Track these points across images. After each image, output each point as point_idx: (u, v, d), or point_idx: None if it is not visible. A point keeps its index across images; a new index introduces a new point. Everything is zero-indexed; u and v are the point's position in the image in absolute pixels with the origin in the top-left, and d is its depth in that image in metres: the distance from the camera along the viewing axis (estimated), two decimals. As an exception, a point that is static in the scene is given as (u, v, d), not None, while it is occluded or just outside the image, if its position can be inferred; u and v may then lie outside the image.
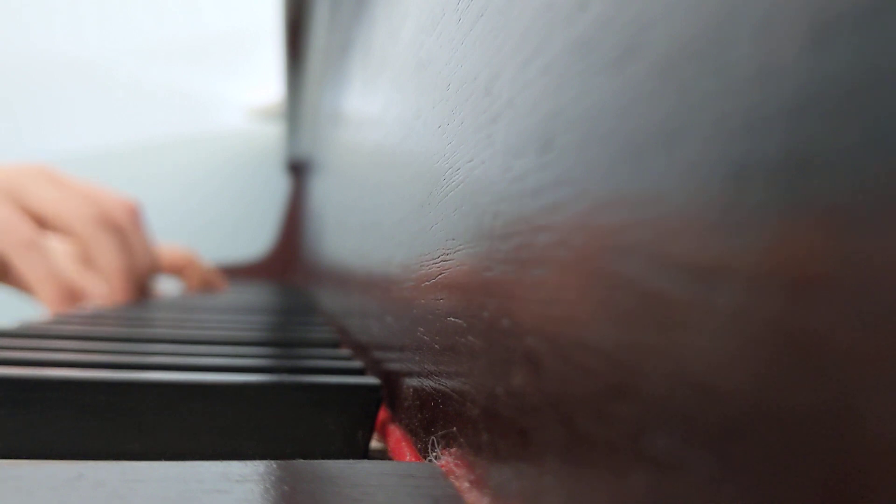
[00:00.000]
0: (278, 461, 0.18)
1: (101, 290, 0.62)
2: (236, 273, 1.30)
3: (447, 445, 0.19)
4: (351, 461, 0.18)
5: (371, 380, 0.24)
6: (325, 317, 0.56)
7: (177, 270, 0.86)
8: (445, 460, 0.18)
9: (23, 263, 0.57)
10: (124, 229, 0.65)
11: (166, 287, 0.88)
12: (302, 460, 0.18)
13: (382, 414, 0.27)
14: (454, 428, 0.18)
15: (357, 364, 0.29)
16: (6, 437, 0.22)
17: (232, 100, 1.66)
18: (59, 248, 0.66)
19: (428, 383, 0.21)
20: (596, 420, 0.11)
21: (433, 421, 0.20)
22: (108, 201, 0.65)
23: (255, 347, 0.35)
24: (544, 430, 0.13)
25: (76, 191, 0.63)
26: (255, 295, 0.89)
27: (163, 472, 0.16)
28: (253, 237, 1.48)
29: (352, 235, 0.46)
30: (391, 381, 0.27)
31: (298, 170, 1.35)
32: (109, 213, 0.64)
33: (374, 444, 0.26)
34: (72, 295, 0.59)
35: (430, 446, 0.20)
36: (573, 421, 0.12)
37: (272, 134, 1.65)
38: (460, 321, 0.18)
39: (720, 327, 0.08)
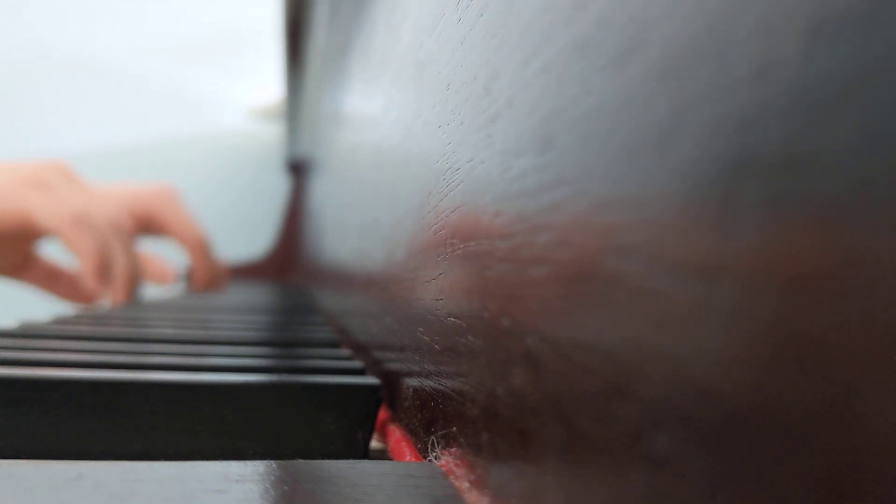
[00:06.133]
0: (278, 461, 0.18)
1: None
2: (236, 273, 1.30)
3: (447, 445, 0.19)
4: (351, 461, 0.18)
5: (371, 380, 0.24)
6: (325, 317, 0.56)
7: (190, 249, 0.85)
8: (445, 460, 0.18)
9: (70, 240, 0.62)
10: (130, 235, 0.70)
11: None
12: (302, 460, 0.18)
13: (382, 414, 0.27)
14: (454, 428, 0.18)
15: (357, 364, 0.29)
16: (6, 437, 0.22)
17: (232, 100, 1.66)
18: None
19: (428, 383, 0.21)
20: (595, 420, 0.11)
21: (433, 421, 0.20)
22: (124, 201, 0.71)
23: (255, 347, 0.35)
24: (544, 430, 0.13)
25: (92, 192, 0.67)
26: (255, 295, 0.89)
27: (163, 472, 0.16)
28: (253, 237, 1.48)
29: (352, 235, 0.46)
30: (391, 381, 0.27)
31: (298, 170, 1.35)
32: (120, 217, 0.69)
33: (374, 444, 0.26)
34: (108, 270, 0.64)
35: (430, 446, 0.20)
36: (573, 421, 0.12)
37: (272, 134, 1.65)
38: (460, 321, 0.18)
39: (718, 326, 0.08)
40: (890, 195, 0.06)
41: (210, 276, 0.87)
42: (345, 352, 0.34)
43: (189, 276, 0.88)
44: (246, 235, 1.52)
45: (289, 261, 1.35)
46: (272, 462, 0.18)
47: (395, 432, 0.25)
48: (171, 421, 0.22)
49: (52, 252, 0.74)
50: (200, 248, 0.84)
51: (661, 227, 0.10)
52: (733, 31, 0.08)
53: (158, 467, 0.17)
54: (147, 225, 0.80)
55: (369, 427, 0.24)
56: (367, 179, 0.40)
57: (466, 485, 0.17)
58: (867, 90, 0.07)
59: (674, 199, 0.09)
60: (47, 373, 0.23)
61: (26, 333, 0.36)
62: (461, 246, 0.18)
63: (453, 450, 0.18)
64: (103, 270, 0.64)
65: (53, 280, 0.73)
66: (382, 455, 0.25)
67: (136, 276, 0.69)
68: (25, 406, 0.22)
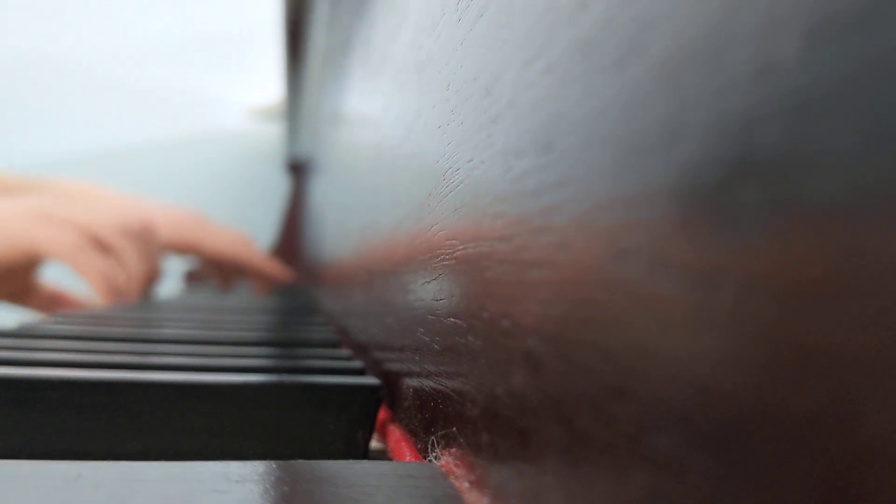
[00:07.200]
0: (278, 461, 0.18)
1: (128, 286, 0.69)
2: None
3: (447, 445, 0.19)
4: (350, 461, 0.18)
5: (371, 380, 0.24)
6: (325, 317, 0.56)
7: (230, 265, 0.87)
8: (445, 460, 0.18)
9: (77, 265, 0.64)
10: (146, 239, 0.72)
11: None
12: (302, 460, 0.18)
13: (382, 414, 0.27)
14: (454, 428, 0.18)
15: (357, 364, 0.29)
16: (6, 437, 0.22)
17: (232, 100, 1.66)
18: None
19: (428, 383, 0.21)
20: (596, 420, 0.11)
21: (433, 421, 0.20)
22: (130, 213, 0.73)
23: (255, 347, 0.35)
24: (544, 430, 0.13)
25: (98, 202, 0.69)
26: (255, 295, 0.89)
27: (163, 472, 0.16)
28: (253, 237, 1.48)
29: (352, 235, 0.46)
30: (391, 381, 0.27)
31: (298, 170, 1.35)
32: (132, 223, 0.70)
33: (374, 444, 0.26)
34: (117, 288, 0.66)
35: (429, 446, 0.20)
36: (573, 421, 0.12)
37: (272, 134, 1.65)
38: (460, 321, 0.18)
39: (719, 328, 0.08)
40: (891, 195, 0.06)
41: (268, 276, 0.89)
42: (345, 352, 0.34)
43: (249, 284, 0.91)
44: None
45: (289, 261, 1.35)
46: (272, 462, 0.18)
47: (395, 432, 0.25)
48: (171, 421, 0.22)
49: (53, 275, 0.76)
50: (242, 264, 0.86)
51: (661, 229, 0.10)
52: (734, 31, 0.08)
53: (158, 467, 0.17)
54: (173, 249, 0.82)
55: (369, 427, 0.24)
56: (367, 179, 0.40)
57: (466, 485, 0.17)
58: (868, 90, 0.07)
59: (675, 201, 0.09)
60: (47, 373, 0.23)
61: (26, 333, 0.36)
62: (461, 247, 0.18)
63: (453, 450, 0.18)
64: (114, 291, 0.66)
65: (56, 304, 0.75)
66: (382, 455, 0.25)
67: (152, 277, 0.70)
68: (25, 406, 0.22)
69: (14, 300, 0.73)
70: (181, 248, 0.83)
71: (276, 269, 0.92)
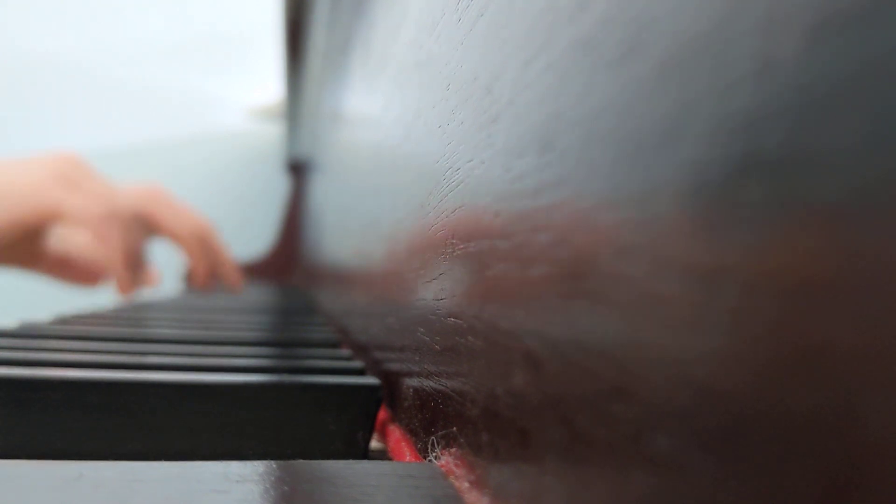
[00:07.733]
0: (278, 461, 0.18)
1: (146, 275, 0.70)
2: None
3: (447, 445, 0.19)
4: (350, 461, 0.18)
5: (371, 380, 0.24)
6: (325, 317, 0.56)
7: (189, 244, 0.84)
8: (445, 460, 0.18)
9: (100, 236, 0.66)
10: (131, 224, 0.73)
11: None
12: (302, 460, 0.18)
13: (382, 414, 0.27)
14: (454, 428, 0.18)
15: (357, 364, 0.29)
16: (6, 437, 0.22)
17: (232, 100, 1.66)
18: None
19: (428, 383, 0.21)
20: (596, 420, 0.11)
21: (433, 421, 0.20)
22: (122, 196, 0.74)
23: (255, 347, 0.35)
24: (544, 430, 0.13)
25: (94, 187, 0.69)
26: (255, 295, 0.89)
27: (163, 472, 0.16)
28: (253, 237, 1.48)
29: (352, 235, 0.46)
30: (391, 381, 0.27)
31: (298, 170, 1.35)
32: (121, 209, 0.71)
33: (374, 444, 0.26)
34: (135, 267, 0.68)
35: (430, 446, 0.20)
36: (573, 421, 0.12)
37: (272, 134, 1.65)
38: (460, 321, 0.18)
39: (720, 327, 0.08)
40: (891, 195, 0.06)
41: (211, 271, 0.86)
42: (345, 352, 0.34)
43: (187, 275, 0.88)
44: (246, 236, 1.52)
45: (289, 261, 1.35)
46: (272, 462, 0.18)
47: (395, 432, 0.25)
48: (171, 421, 0.22)
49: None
50: (196, 244, 0.83)
51: (662, 228, 0.10)
52: (735, 31, 0.08)
53: (158, 467, 0.17)
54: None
55: (369, 427, 0.24)
56: (368, 179, 0.40)
57: (466, 485, 0.17)
58: (871, 89, 0.07)
59: (675, 200, 0.09)
60: (47, 373, 0.23)
61: (26, 333, 0.36)
62: (461, 246, 0.18)
63: (453, 450, 0.18)
64: (134, 260, 0.67)
65: (64, 268, 0.75)
66: (382, 455, 0.25)
67: (137, 261, 0.72)
68: (25, 406, 0.22)
69: (23, 265, 0.73)
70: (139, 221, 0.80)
71: (234, 271, 0.89)
